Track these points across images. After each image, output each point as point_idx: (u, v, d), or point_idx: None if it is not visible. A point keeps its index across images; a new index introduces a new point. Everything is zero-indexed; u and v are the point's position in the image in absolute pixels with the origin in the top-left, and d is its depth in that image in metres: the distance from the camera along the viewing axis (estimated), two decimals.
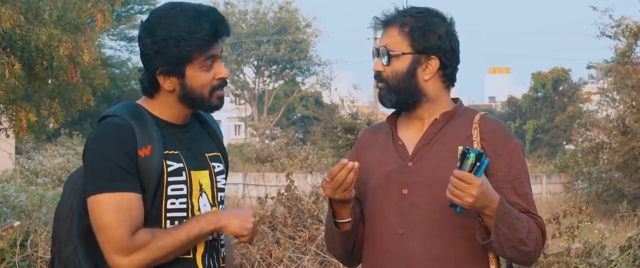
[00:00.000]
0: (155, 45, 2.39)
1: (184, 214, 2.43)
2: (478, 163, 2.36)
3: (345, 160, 2.47)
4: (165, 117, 2.47)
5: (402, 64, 2.59)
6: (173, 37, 2.37)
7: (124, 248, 2.32)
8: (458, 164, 2.38)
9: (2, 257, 6.26)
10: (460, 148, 2.37)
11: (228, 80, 2.53)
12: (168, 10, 2.41)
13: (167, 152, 2.41)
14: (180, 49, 2.38)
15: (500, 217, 2.43)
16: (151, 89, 2.46)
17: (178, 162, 2.43)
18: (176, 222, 2.42)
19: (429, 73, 2.61)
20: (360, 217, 2.67)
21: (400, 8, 2.65)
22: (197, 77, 2.42)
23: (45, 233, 6.40)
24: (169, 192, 2.41)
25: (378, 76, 2.63)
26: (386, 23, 2.63)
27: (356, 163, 2.48)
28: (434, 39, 2.60)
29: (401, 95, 2.60)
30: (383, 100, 2.63)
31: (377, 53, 2.64)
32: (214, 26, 2.41)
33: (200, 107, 2.48)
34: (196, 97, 2.44)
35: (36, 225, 7.11)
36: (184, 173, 2.43)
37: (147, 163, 2.36)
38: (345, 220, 2.62)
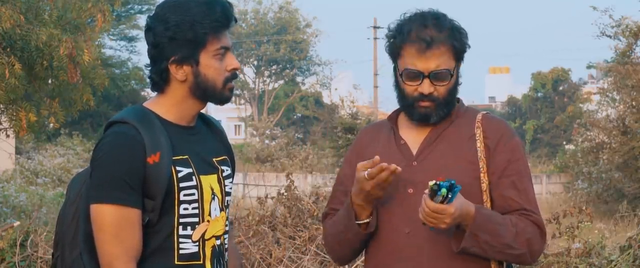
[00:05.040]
0: (168, 32, 2.36)
1: (196, 219, 2.43)
2: (450, 195, 2.37)
3: (385, 164, 2.46)
4: (173, 117, 2.44)
5: (452, 80, 2.60)
6: (187, 21, 2.35)
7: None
8: (429, 194, 2.39)
9: (2, 257, 6.25)
10: (431, 183, 2.37)
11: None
12: None
13: (176, 157, 2.40)
14: (195, 32, 2.36)
15: (477, 226, 2.45)
16: (162, 82, 2.42)
17: (187, 167, 2.41)
18: (188, 227, 2.42)
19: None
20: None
21: (429, 22, 2.55)
22: (211, 65, 2.40)
23: (45, 233, 6.39)
24: (182, 197, 2.40)
25: (428, 97, 2.56)
26: (431, 43, 2.54)
27: (398, 168, 2.47)
28: (466, 46, 2.62)
29: (449, 107, 2.62)
30: (429, 117, 2.59)
31: (423, 76, 2.54)
32: (225, 9, 2.40)
33: (212, 98, 2.44)
34: (209, 86, 2.41)
35: (36, 225, 7.10)
36: (194, 178, 2.42)
37: (156, 170, 2.34)
38: (365, 221, 2.62)
